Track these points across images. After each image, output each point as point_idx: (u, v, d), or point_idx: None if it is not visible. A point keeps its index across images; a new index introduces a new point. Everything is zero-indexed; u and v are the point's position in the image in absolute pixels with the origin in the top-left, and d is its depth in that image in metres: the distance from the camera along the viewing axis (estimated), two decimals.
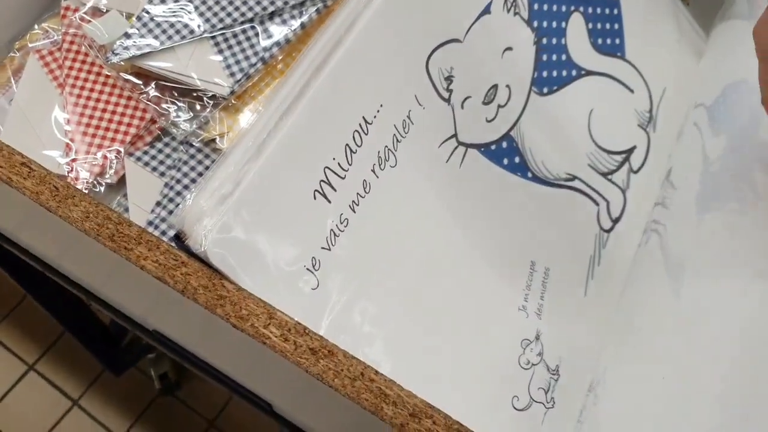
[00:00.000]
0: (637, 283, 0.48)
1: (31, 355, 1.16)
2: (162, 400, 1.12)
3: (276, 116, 0.36)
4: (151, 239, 0.36)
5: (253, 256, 0.36)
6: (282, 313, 0.34)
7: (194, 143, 0.53)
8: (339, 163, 0.39)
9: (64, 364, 1.16)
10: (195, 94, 0.53)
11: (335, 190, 0.39)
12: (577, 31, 0.50)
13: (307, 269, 0.38)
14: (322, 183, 0.38)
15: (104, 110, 0.55)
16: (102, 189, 0.53)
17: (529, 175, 0.48)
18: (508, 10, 0.47)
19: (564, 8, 0.49)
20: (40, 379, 1.15)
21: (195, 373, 1.14)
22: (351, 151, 0.39)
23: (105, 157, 0.53)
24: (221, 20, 0.53)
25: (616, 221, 0.52)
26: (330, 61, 0.38)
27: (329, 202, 0.39)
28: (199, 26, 0.53)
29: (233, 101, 0.53)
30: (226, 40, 0.53)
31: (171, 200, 0.51)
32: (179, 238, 0.35)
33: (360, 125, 0.40)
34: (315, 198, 0.38)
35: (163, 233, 0.50)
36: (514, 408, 0.45)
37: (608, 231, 0.52)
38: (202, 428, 1.10)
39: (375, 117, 0.40)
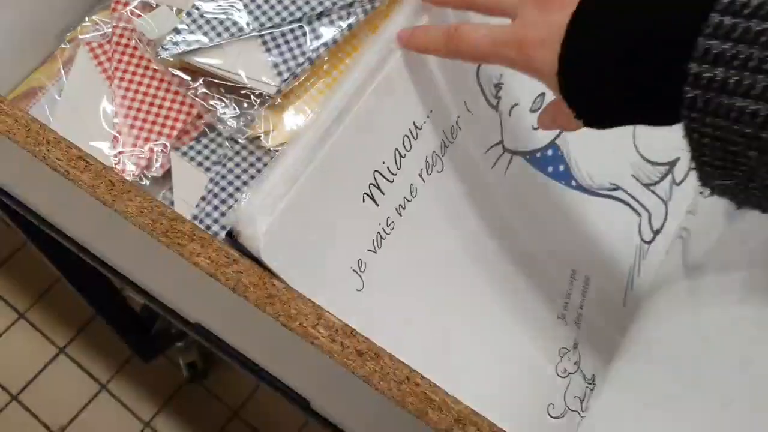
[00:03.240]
0: (657, 290, 0.48)
1: (61, 339, 1.18)
2: (188, 388, 1.13)
3: (330, 120, 0.36)
4: (204, 236, 0.36)
5: (303, 256, 0.36)
6: (330, 314, 0.35)
7: (239, 140, 0.54)
8: (388, 167, 0.39)
9: (94, 349, 1.18)
10: (242, 92, 0.54)
11: (383, 194, 0.39)
12: None
13: (354, 271, 0.38)
14: (371, 186, 0.39)
15: (152, 104, 0.55)
16: (147, 182, 0.54)
17: (573, 183, 0.48)
18: None
19: None
20: (70, 362, 1.17)
21: (222, 363, 1.15)
22: (400, 155, 0.40)
23: (151, 151, 0.54)
24: (270, 19, 0.54)
25: (656, 233, 0.52)
26: (384, 67, 0.38)
27: (377, 205, 0.39)
28: (248, 24, 0.54)
29: (279, 100, 0.53)
30: (274, 39, 0.54)
31: (215, 195, 0.52)
32: (232, 236, 0.36)
33: (410, 130, 0.40)
34: (364, 201, 0.39)
35: (207, 228, 0.50)
36: (549, 416, 0.45)
37: (649, 242, 0.51)
38: (227, 418, 1.12)
39: (425, 122, 0.41)
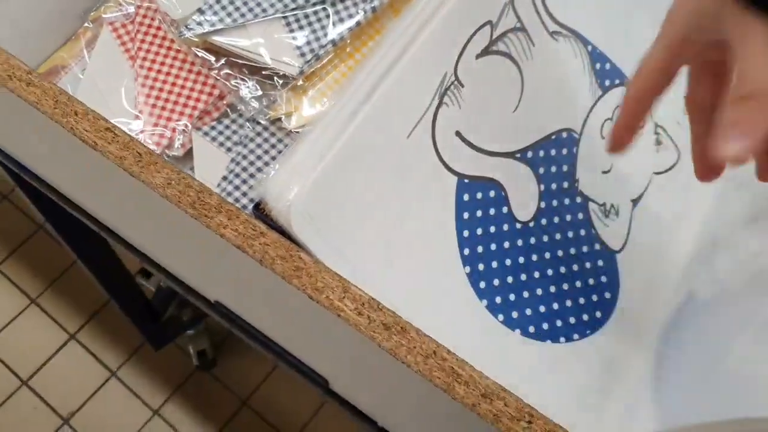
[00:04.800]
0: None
1: (72, 325, 1.19)
2: (198, 376, 1.14)
3: (361, 94, 0.36)
4: (231, 209, 0.36)
5: (332, 229, 0.36)
6: (356, 287, 0.35)
7: (261, 121, 0.54)
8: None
9: (105, 336, 1.18)
10: (264, 73, 0.54)
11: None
12: None
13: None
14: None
15: (174, 84, 0.56)
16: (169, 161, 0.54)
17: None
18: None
19: None
20: (80, 348, 1.17)
21: (232, 352, 1.15)
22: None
23: (173, 130, 0.54)
24: (294, 0, 0.54)
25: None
26: (417, 41, 0.38)
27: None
28: (272, 5, 0.54)
29: (301, 81, 0.53)
30: (297, 20, 0.54)
31: (237, 175, 0.52)
32: (259, 208, 0.36)
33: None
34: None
35: None
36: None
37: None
38: (236, 406, 1.12)
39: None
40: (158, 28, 0.57)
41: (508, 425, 0.32)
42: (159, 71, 0.56)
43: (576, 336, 0.45)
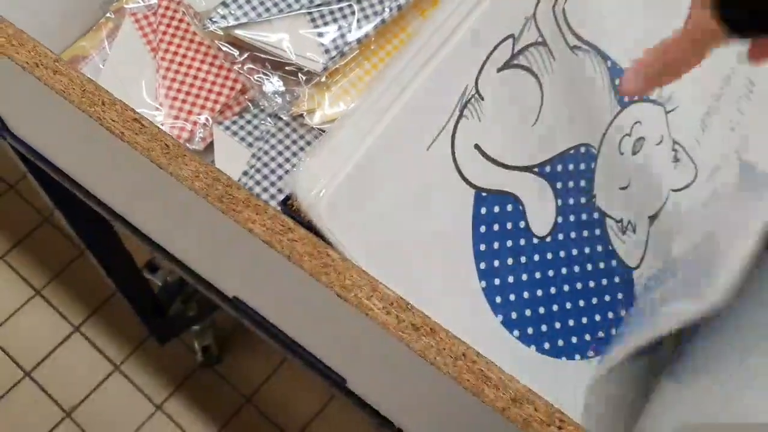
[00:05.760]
0: None
1: (77, 318, 1.18)
2: (202, 372, 1.13)
3: (394, 90, 0.36)
4: (259, 203, 0.36)
5: (359, 226, 0.36)
6: (385, 286, 0.34)
7: (283, 117, 0.53)
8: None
9: (109, 329, 1.17)
10: (287, 68, 0.53)
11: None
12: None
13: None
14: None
15: (195, 77, 0.55)
16: None
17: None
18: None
19: None
20: (84, 341, 1.17)
21: (237, 349, 1.15)
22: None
23: (194, 124, 0.54)
24: None
25: None
26: (439, 53, 0.38)
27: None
28: (297, 0, 0.53)
29: (324, 78, 0.53)
30: (322, 16, 0.53)
31: (258, 171, 0.52)
32: (287, 204, 0.35)
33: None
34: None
35: None
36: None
37: None
38: (240, 404, 1.11)
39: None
40: (181, 20, 0.57)
41: (538, 430, 0.32)
42: (181, 64, 0.56)
43: (591, 353, 0.45)
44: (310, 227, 0.36)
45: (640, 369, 0.46)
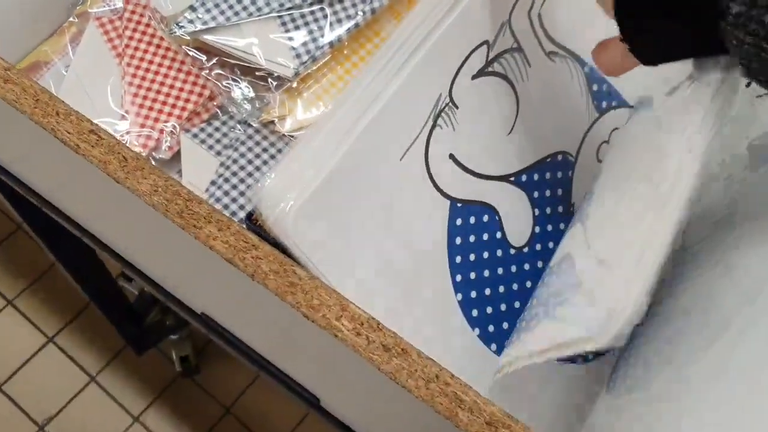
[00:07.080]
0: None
1: (51, 328, 1.15)
2: (180, 383, 1.11)
3: (365, 100, 0.34)
4: (222, 219, 0.34)
5: (329, 241, 0.34)
6: (355, 305, 0.33)
7: (253, 124, 0.51)
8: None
9: (84, 340, 1.15)
10: (257, 74, 0.51)
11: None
12: None
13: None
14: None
15: (162, 83, 0.53)
16: (155, 164, 0.51)
17: None
18: None
19: None
20: (58, 352, 1.14)
21: (216, 359, 1.13)
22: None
23: (161, 132, 0.52)
24: None
25: None
26: (411, 60, 0.36)
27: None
28: (267, 4, 0.51)
29: (296, 84, 0.51)
30: (293, 20, 0.52)
31: (226, 180, 0.50)
32: (251, 219, 0.33)
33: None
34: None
35: None
36: None
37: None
38: (219, 414, 1.09)
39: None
40: (147, 25, 0.55)
41: None
42: (147, 70, 0.54)
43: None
44: (276, 243, 0.34)
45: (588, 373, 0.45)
